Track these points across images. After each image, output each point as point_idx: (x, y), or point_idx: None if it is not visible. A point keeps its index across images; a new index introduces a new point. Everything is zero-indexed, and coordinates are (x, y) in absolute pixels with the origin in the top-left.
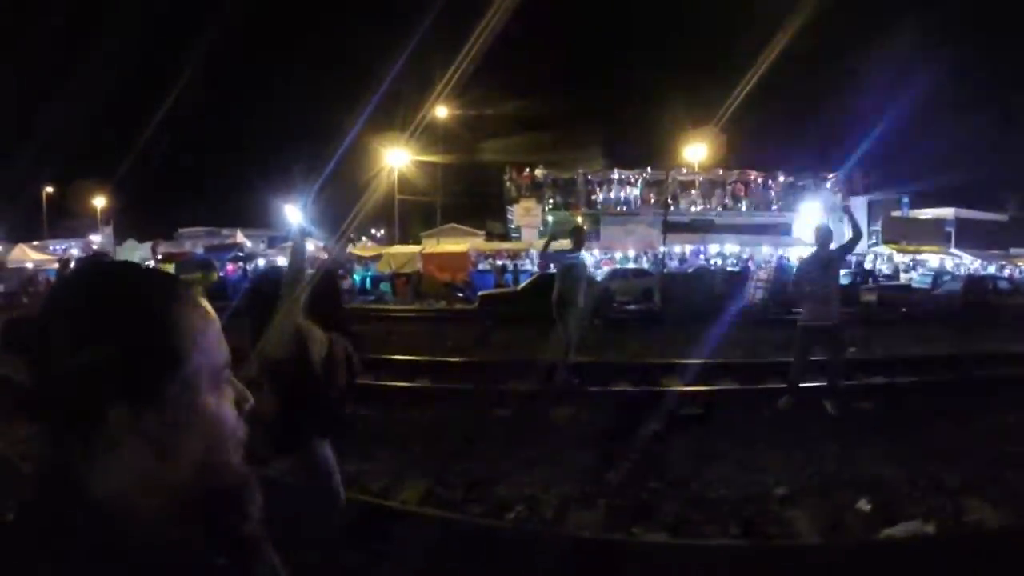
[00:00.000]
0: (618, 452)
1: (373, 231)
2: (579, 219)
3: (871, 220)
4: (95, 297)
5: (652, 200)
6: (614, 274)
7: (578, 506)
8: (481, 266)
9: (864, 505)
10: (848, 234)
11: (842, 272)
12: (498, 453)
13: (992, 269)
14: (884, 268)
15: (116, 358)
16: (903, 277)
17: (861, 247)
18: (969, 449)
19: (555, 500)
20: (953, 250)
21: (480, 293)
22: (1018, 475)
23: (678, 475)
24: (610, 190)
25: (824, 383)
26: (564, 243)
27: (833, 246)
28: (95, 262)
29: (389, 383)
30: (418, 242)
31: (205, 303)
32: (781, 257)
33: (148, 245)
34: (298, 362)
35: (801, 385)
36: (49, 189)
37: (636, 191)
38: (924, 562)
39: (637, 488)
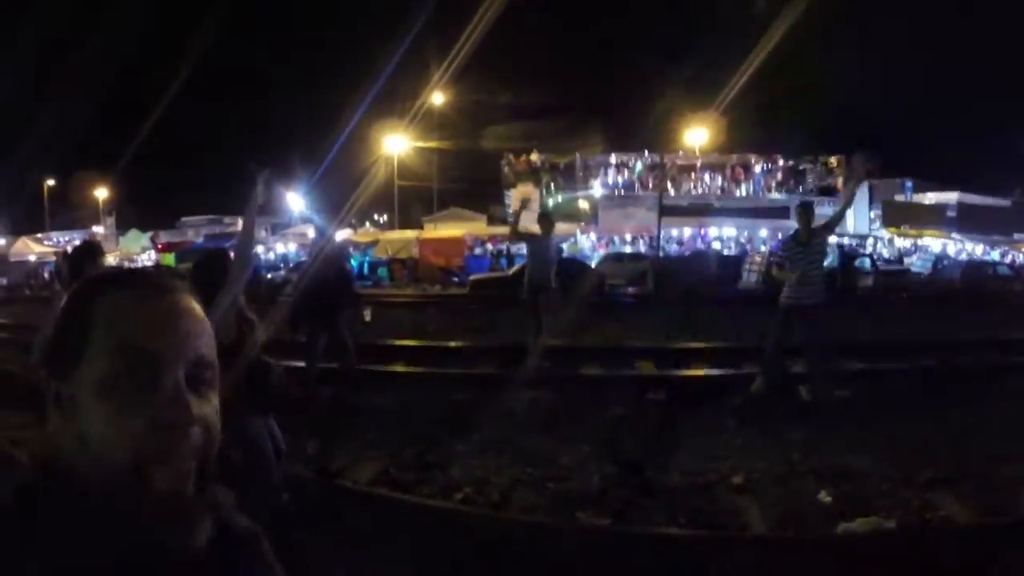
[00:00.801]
0: (576, 436)
1: (376, 216)
2: (582, 203)
3: (872, 204)
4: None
5: (650, 184)
6: (609, 257)
7: (526, 489)
8: (477, 251)
9: (825, 496)
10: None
11: (827, 252)
12: (457, 436)
13: (995, 255)
14: (885, 252)
15: (50, 336)
16: (905, 262)
17: (861, 230)
18: (946, 440)
19: (504, 483)
20: (955, 235)
21: (471, 277)
22: (994, 469)
23: (634, 460)
24: (608, 174)
25: (802, 368)
26: (534, 228)
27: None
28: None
29: (362, 367)
30: (420, 227)
31: (136, 297)
32: (779, 240)
33: (150, 235)
34: (238, 347)
35: (775, 368)
36: (50, 182)
37: (634, 175)
38: (877, 560)
39: (589, 473)
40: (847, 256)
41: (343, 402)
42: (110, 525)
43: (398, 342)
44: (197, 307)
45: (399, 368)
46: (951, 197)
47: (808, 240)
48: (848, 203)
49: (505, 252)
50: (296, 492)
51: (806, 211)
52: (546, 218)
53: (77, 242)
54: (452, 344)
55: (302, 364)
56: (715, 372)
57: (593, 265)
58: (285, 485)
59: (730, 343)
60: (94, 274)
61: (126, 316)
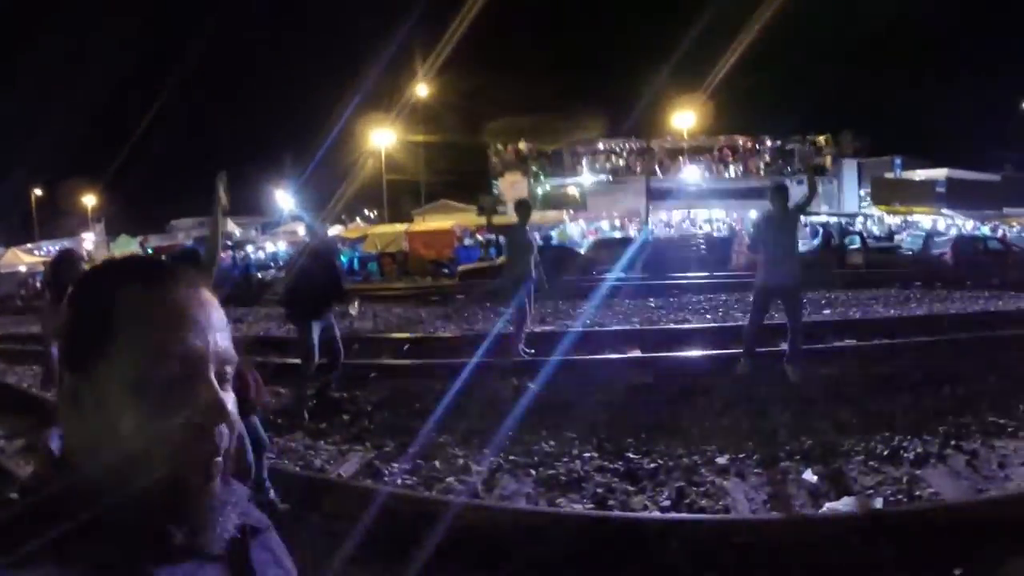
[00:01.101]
0: (561, 423)
1: (366, 212)
2: (571, 190)
3: (861, 182)
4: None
5: (638, 169)
6: (598, 243)
7: (508, 477)
8: (467, 241)
9: (810, 476)
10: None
11: (800, 233)
12: (442, 426)
13: (985, 229)
14: (875, 229)
15: (66, 329)
16: (896, 239)
17: (851, 208)
18: (936, 416)
19: (487, 471)
20: (945, 211)
21: (460, 268)
22: (985, 443)
23: (618, 445)
24: (595, 160)
25: (785, 347)
26: (512, 217)
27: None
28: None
29: (349, 361)
30: (410, 220)
31: (173, 292)
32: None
33: (140, 240)
34: None
35: (758, 349)
36: (38, 191)
37: (622, 160)
38: (862, 540)
39: (572, 459)
40: (829, 236)
41: (329, 396)
42: (139, 522)
43: (384, 335)
44: (216, 300)
45: (385, 361)
46: (940, 173)
47: (781, 222)
48: (812, 188)
49: (495, 241)
50: (282, 487)
51: (781, 193)
52: (523, 205)
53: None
54: (438, 335)
55: (298, 361)
56: (701, 354)
57: (583, 251)
58: (271, 482)
59: (716, 324)
60: (107, 263)
61: (159, 313)
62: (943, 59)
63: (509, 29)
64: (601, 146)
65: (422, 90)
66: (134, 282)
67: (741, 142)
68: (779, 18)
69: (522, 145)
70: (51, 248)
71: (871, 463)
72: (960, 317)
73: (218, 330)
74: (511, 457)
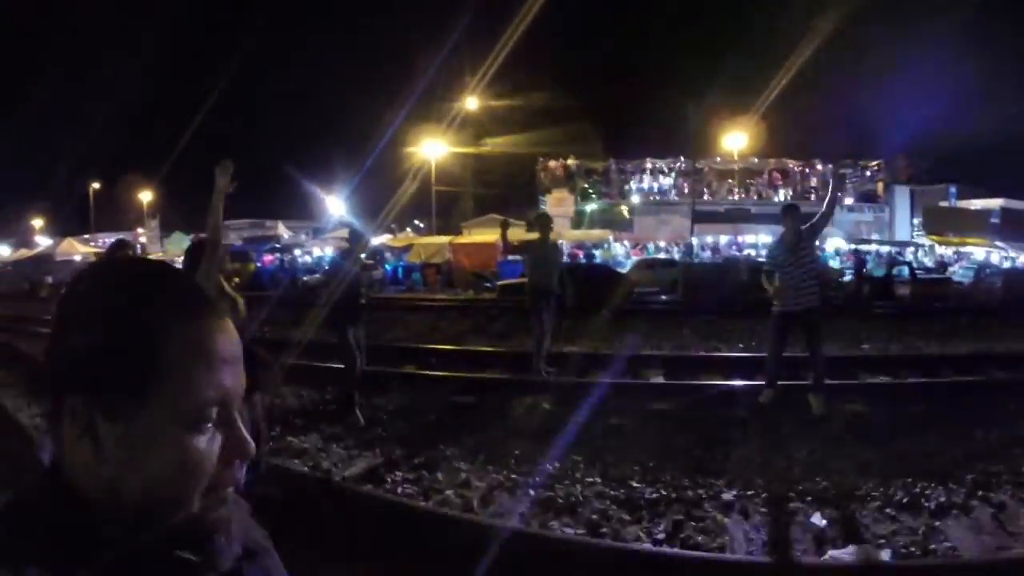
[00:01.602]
0: (569, 444)
1: (416, 222)
2: (623, 209)
3: (914, 210)
4: (93, 286)
5: (686, 190)
6: (641, 264)
7: (506, 495)
8: (510, 256)
9: (819, 520)
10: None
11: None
12: (451, 439)
13: None
14: (927, 260)
15: (83, 349)
16: (948, 271)
17: (903, 237)
18: (964, 463)
19: (487, 487)
20: (998, 243)
21: (499, 283)
22: (1017, 495)
23: (623, 471)
24: (643, 180)
25: (809, 379)
26: (533, 233)
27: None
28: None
29: (372, 368)
30: (459, 232)
31: (214, 328)
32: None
33: (192, 237)
34: None
35: (780, 380)
36: (96, 185)
37: (670, 180)
38: None
39: (573, 482)
40: (862, 263)
41: (348, 401)
42: (148, 547)
43: (408, 345)
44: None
45: (406, 370)
46: (995, 203)
47: (796, 244)
48: (831, 205)
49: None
50: (280, 484)
51: (792, 214)
52: (543, 219)
53: None
54: (462, 348)
55: (341, 366)
56: (724, 382)
57: (625, 272)
58: (264, 472)
59: (745, 352)
60: (131, 283)
61: (202, 353)
62: (1000, 85)
63: (559, 43)
64: (649, 165)
65: (472, 103)
66: (176, 318)
67: (791, 165)
68: (832, 40)
69: (570, 162)
70: (106, 241)
71: (888, 510)
72: (1005, 356)
73: (240, 364)
74: (512, 476)
